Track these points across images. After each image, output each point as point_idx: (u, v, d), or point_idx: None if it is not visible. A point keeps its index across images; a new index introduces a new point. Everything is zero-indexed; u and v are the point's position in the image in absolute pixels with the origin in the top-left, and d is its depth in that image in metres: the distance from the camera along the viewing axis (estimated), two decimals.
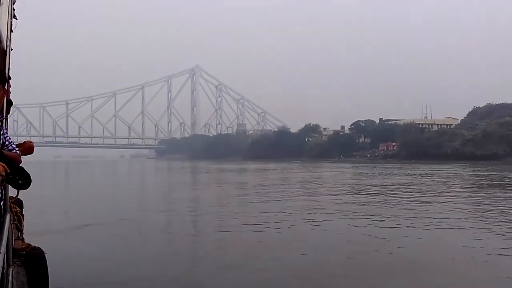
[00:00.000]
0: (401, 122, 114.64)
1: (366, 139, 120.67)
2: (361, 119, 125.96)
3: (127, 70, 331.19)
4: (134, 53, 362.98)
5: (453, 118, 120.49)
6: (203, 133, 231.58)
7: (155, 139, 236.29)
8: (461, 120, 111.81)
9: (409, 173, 40.37)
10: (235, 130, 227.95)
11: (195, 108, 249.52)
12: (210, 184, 33.12)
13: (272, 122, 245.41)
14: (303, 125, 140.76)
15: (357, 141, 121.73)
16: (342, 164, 75.62)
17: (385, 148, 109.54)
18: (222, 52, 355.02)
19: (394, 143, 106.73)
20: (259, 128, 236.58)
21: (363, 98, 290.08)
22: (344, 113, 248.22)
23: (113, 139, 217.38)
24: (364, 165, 71.54)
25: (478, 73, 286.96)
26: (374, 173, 41.49)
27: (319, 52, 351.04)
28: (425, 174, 39.05)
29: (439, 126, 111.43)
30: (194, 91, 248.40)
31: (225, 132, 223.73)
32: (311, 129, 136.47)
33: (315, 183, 29.60)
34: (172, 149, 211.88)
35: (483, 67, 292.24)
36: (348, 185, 27.78)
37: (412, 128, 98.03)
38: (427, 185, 26.71)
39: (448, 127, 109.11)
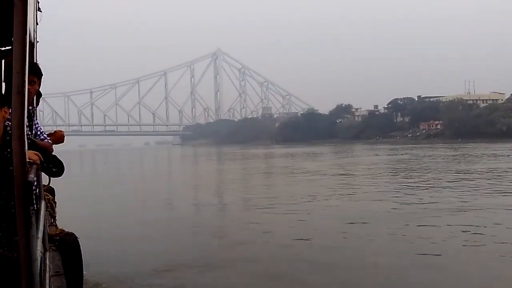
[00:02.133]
0: (443, 99, 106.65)
1: (404, 119, 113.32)
2: (397, 98, 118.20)
3: (150, 57, 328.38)
4: (156, 39, 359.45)
5: (500, 93, 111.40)
6: (228, 118, 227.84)
7: (179, 125, 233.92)
8: (511, 94, 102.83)
9: (493, 154, 34.26)
10: (260, 114, 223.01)
11: (218, 92, 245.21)
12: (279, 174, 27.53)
13: (297, 105, 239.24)
14: (330, 107, 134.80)
15: (394, 120, 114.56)
16: (387, 146, 69.40)
17: (427, 127, 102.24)
18: (244, 34, 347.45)
19: (436, 122, 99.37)
20: (285, 111, 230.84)
21: (394, 76, 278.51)
22: (374, 92, 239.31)
23: (138, 126, 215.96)
24: (413, 146, 65.14)
25: None
26: (446, 155, 35.68)
27: (343, 28, 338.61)
28: None
29: (485, 102, 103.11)
30: (217, 76, 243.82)
31: (250, 116, 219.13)
32: (343, 110, 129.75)
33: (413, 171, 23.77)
34: (197, 134, 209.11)
35: None
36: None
37: (459, 105, 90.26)
38: None
39: (494, 102, 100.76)
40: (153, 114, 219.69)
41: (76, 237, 3.23)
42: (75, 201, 14.48)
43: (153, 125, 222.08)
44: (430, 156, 35.66)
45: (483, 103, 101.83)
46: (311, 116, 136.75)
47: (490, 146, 49.49)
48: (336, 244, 8.58)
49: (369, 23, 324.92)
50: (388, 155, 39.16)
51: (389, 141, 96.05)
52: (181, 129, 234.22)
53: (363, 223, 10.37)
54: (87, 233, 6.81)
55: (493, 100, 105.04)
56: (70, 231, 3.28)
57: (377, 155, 40.25)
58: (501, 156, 32.25)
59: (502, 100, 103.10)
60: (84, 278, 3.22)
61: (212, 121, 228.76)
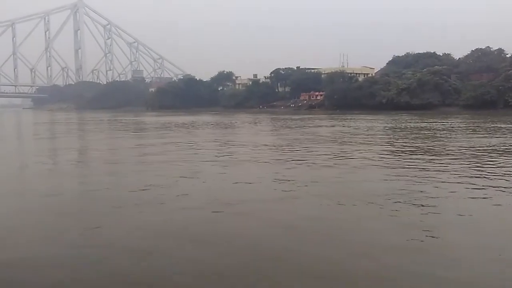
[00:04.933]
0: (322, 71, 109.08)
1: (285, 89, 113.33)
2: (279, 67, 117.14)
3: None
4: None
5: (370, 68, 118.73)
6: (91, 80, 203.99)
7: (31, 86, 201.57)
8: (383, 67, 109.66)
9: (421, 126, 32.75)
10: (129, 77, 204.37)
11: (80, 51, 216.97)
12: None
13: (170, 70, 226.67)
14: (205, 74, 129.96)
15: (276, 90, 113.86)
16: (283, 116, 66.88)
17: (307, 97, 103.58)
18: None
19: (317, 93, 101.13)
20: (157, 76, 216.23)
21: (268, 45, 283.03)
22: (247, 61, 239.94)
23: None
24: (310, 116, 63.67)
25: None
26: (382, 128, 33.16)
27: None
28: (444, 127, 31.67)
29: (358, 75, 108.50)
30: (78, 31, 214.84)
31: (118, 79, 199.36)
32: (225, 77, 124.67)
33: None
34: (54, 98, 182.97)
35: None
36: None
37: (340, 77, 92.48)
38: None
39: (365, 76, 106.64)
40: None
41: None
42: None
43: None
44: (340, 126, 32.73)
45: (357, 76, 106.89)
46: (191, 82, 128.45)
47: (386, 117, 50.11)
48: None
49: None
50: (330, 125, 35.20)
51: (274, 111, 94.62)
52: (33, 91, 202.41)
53: None
54: None
55: (365, 74, 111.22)
56: None
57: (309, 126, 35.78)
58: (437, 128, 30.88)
59: (372, 74, 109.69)
60: None
61: (73, 83, 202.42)
